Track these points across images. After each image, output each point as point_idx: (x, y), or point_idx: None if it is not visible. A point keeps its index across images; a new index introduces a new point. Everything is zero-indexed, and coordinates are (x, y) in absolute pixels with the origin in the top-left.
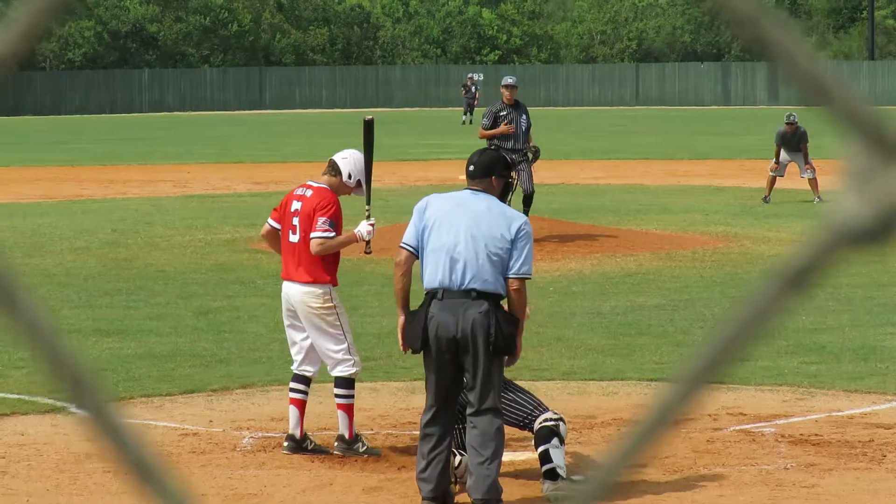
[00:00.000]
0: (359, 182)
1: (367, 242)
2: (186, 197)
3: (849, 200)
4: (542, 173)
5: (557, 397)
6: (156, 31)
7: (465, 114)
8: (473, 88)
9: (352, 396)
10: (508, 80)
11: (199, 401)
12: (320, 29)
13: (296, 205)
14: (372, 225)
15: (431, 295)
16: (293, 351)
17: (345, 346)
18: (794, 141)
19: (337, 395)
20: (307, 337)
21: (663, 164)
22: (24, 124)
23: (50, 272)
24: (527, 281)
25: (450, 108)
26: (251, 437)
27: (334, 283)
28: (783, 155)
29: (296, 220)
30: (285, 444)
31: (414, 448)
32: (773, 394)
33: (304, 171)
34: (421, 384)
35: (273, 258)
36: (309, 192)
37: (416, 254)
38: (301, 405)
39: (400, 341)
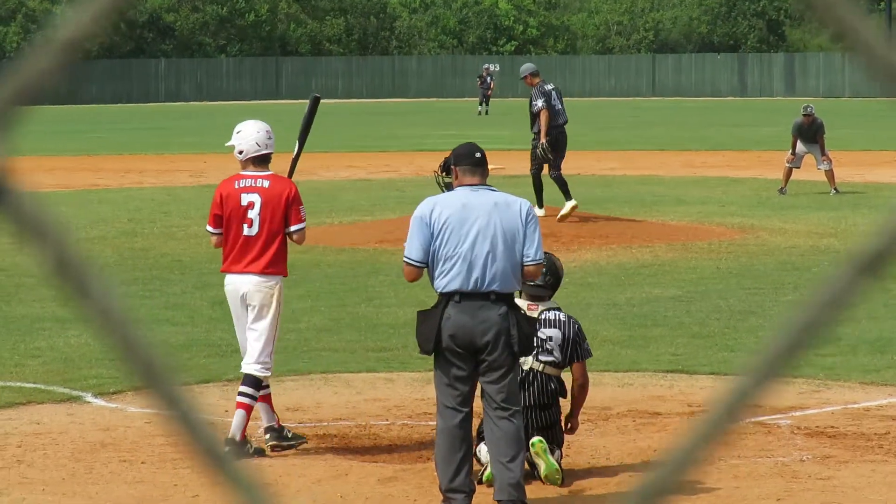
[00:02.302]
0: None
1: None
2: (202, 187)
3: None
4: None
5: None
6: (172, 21)
7: (481, 104)
8: (489, 79)
9: (254, 397)
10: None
11: (214, 391)
12: (336, 19)
13: (250, 198)
14: None
15: (448, 297)
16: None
17: (271, 348)
18: (810, 132)
19: (243, 394)
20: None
21: (679, 155)
22: (40, 114)
23: None
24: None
25: (466, 99)
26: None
27: (285, 274)
28: (799, 146)
29: (252, 214)
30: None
31: (429, 439)
32: (788, 386)
33: (319, 161)
34: None
35: (290, 248)
36: (266, 183)
37: (423, 268)
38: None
39: None
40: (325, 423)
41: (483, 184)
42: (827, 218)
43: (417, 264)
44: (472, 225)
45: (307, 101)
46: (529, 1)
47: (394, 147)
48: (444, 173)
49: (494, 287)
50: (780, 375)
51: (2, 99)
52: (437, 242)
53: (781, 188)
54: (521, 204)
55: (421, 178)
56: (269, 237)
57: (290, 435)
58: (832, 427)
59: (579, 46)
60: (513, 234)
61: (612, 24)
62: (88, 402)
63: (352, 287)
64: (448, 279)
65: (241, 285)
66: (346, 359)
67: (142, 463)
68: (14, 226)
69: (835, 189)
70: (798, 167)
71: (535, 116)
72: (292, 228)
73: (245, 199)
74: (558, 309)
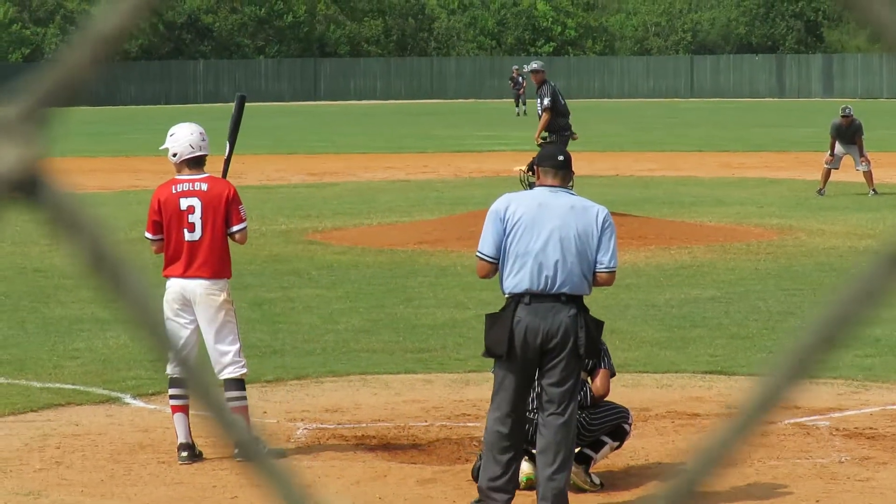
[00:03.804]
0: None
1: None
2: (241, 188)
3: None
4: (596, 164)
5: (611, 389)
6: (211, 22)
7: (518, 105)
8: (521, 79)
9: (245, 398)
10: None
11: (253, 392)
12: (375, 20)
13: (189, 202)
14: None
15: (517, 299)
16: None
17: (237, 346)
18: (848, 133)
19: (230, 399)
20: (190, 336)
21: (717, 157)
22: (79, 114)
23: None
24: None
25: (504, 100)
26: (305, 428)
27: (230, 277)
28: (838, 147)
29: (193, 217)
30: (183, 454)
31: (468, 439)
32: (827, 387)
33: (358, 162)
34: (475, 376)
35: (329, 249)
36: (205, 186)
37: (496, 264)
38: (187, 410)
39: None
40: (364, 425)
41: (563, 186)
42: (865, 219)
43: (490, 259)
44: (547, 225)
45: (234, 103)
46: (567, 2)
47: (432, 148)
48: (529, 172)
49: (565, 290)
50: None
51: (38, 96)
52: (509, 239)
53: (820, 189)
54: (598, 210)
55: (459, 179)
56: (213, 240)
57: (199, 452)
58: (871, 428)
59: (617, 47)
60: (587, 239)
61: (650, 25)
62: (127, 404)
63: (390, 288)
64: (518, 279)
65: (188, 290)
66: (385, 360)
67: (180, 464)
68: (49, 222)
69: (873, 190)
70: (836, 168)
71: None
72: (234, 229)
73: (184, 203)
74: None
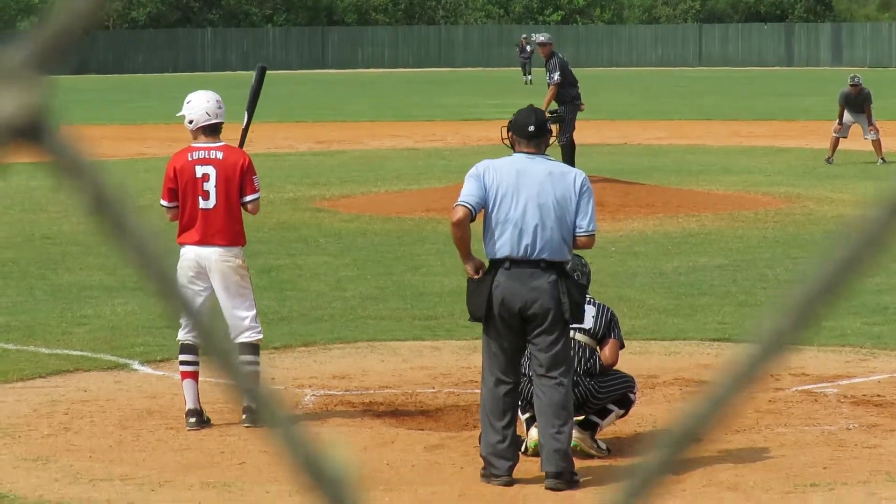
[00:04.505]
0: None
1: None
2: (251, 155)
3: None
4: (606, 132)
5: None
6: None
7: (525, 73)
8: (528, 48)
9: (258, 363)
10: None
11: (261, 358)
12: None
13: (204, 170)
14: None
15: (498, 264)
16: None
17: (254, 311)
18: (857, 102)
19: (244, 363)
20: (204, 303)
21: (726, 125)
22: (87, 83)
23: None
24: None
25: (512, 68)
26: (313, 394)
27: (245, 244)
28: (846, 116)
29: (208, 185)
30: (191, 420)
31: (475, 406)
32: (835, 354)
33: (366, 130)
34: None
35: (336, 217)
36: (220, 154)
37: (473, 212)
38: (196, 377)
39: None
40: (372, 391)
41: (539, 152)
42: (873, 187)
43: (468, 205)
44: (525, 192)
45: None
46: None
47: (440, 116)
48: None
49: (545, 255)
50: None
51: (38, 42)
52: (490, 206)
53: (828, 158)
54: (575, 174)
55: (467, 148)
56: (228, 208)
57: (207, 418)
58: (879, 396)
59: (626, 16)
60: (565, 204)
61: None
62: (135, 370)
63: (398, 255)
64: (499, 245)
65: (202, 258)
66: (393, 327)
67: (188, 430)
68: (51, 164)
69: (882, 159)
70: (845, 137)
71: (563, 85)
72: (247, 199)
73: (199, 171)
74: (593, 299)
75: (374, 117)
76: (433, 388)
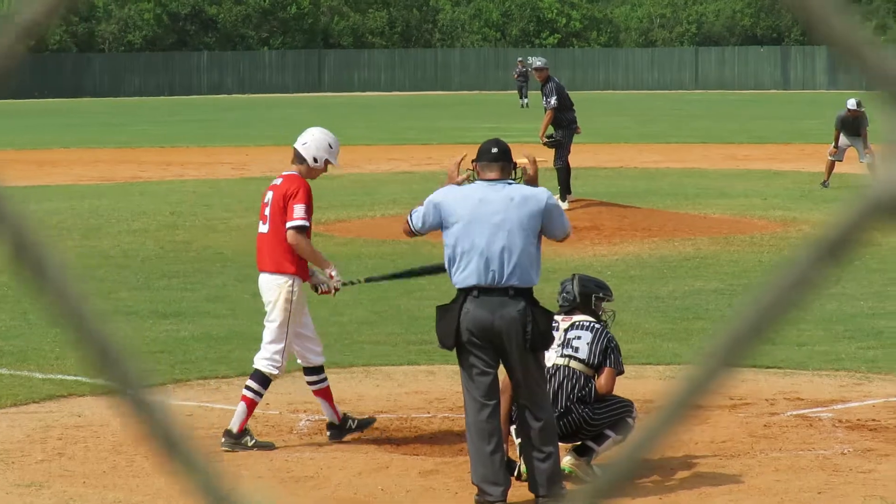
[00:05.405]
0: (326, 161)
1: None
2: (245, 179)
3: (887, 170)
4: (601, 156)
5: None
6: (215, 14)
7: (522, 97)
8: (526, 70)
9: (258, 393)
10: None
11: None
12: (379, 12)
13: (267, 196)
14: (337, 284)
15: (466, 292)
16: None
17: (281, 346)
18: (853, 125)
19: (248, 388)
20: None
21: (722, 148)
22: (82, 106)
23: (107, 254)
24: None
25: (508, 92)
26: (308, 419)
27: (300, 275)
28: (842, 139)
29: (267, 211)
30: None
31: None
32: (830, 379)
33: (361, 153)
34: None
35: (331, 241)
36: (279, 181)
37: (416, 235)
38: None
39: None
40: (367, 416)
41: (502, 179)
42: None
43: (415, 229)
44: (490, 219)
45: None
46: None
47: (436, 140)
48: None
49: (513, 282)
50: (737, 363)
51: None
52: (454, 238)
53: (824, 181)
54: (538, 194)
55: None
56: (275, 234)
57: (353, 425)
58: (873, 420)
59: (622, 39)
60: (532, 227)
61: (654, 16)
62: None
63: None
64: (466, 274)
65: (259, 284)
66: (388, 351)
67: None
68: None
69: None
70: (841, 160)
71: (560, 109)
72: (286, 225)
73: (266, 196)
74: (595, 321)
75: (371, 141)
76: (428, 412)
